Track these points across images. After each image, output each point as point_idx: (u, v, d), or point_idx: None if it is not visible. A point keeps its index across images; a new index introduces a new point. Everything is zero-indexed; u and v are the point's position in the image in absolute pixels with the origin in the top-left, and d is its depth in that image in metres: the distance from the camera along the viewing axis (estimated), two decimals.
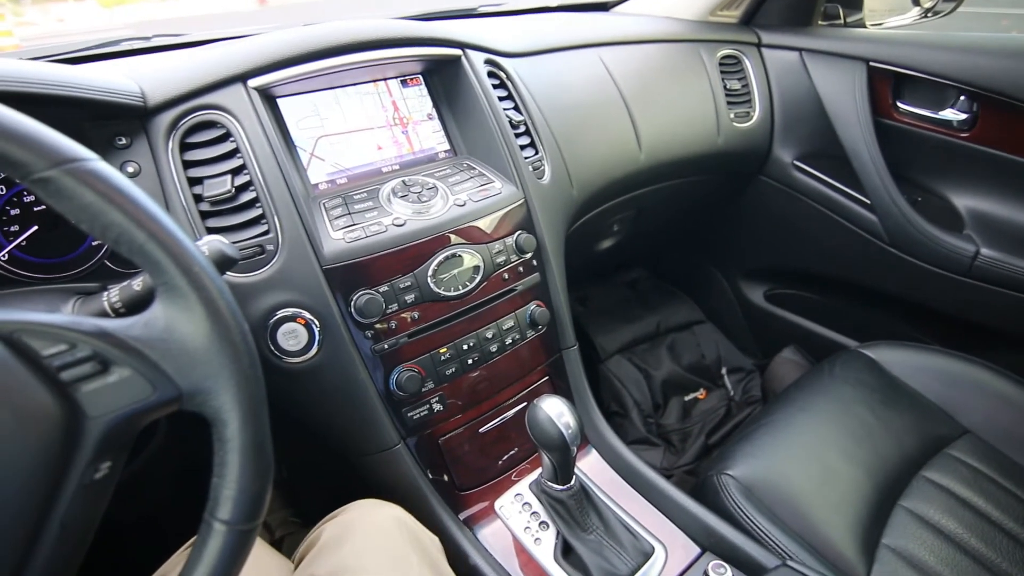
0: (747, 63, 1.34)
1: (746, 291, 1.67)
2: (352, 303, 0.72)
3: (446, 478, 0.83)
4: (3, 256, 0.65)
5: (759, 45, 1.37)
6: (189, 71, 0.72)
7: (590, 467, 0.89)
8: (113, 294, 0.58)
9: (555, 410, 0.68)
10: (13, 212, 0.66)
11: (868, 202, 1.24)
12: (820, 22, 1.36)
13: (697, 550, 0.77)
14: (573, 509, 0.75)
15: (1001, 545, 0.79)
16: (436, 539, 0.69)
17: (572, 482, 0.74)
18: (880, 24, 1.36)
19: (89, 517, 0.40)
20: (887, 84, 1.21)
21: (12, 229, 0.66)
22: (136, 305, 0.55)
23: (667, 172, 1.25)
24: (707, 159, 1.29)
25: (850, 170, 1.25)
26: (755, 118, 1.33)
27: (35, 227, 0.67)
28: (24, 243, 0.66)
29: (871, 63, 1.21)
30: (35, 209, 0.67)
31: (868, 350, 1.08)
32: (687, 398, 1.53)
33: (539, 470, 0.77)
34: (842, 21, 1.36)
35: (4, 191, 0.65)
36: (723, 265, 1.72)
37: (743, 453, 0.89)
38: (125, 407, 0.39)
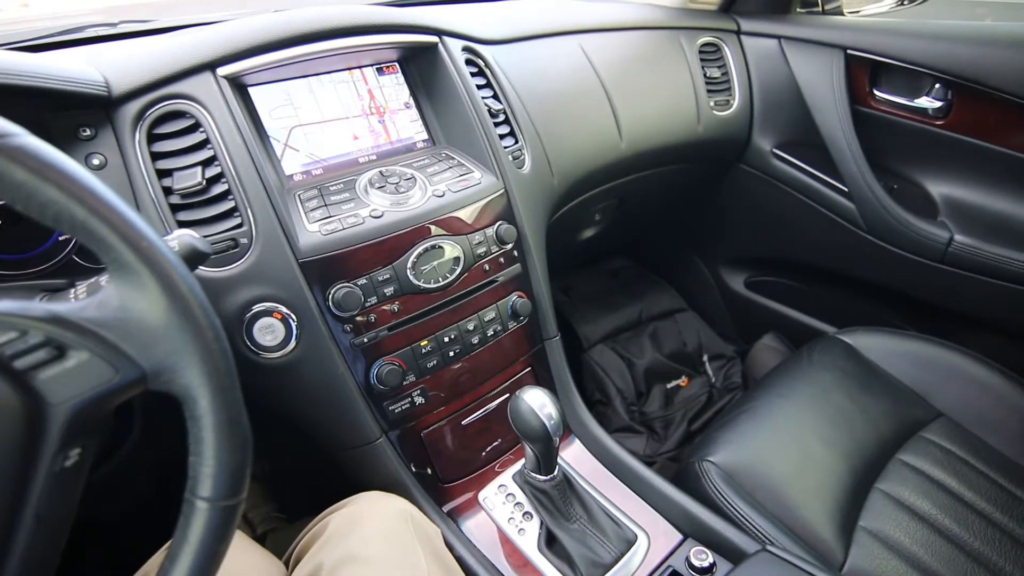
0: (727, 51, 1.34)
1: (727, 279, 1.68)
2: (330, 296, 0.71)
3: (429, 471, 0.83)
4: None
5: (738, 32, 1.36)
6: (155, 59, 0.69)
7: (573, 457, 0.90)
8: (80, 290, 0.56)
9: (537, 401, 0.68)
10: None
11: (845, 190, 1.25)
12: (798, 9, 1.36)
13: (679, 537, 0.78)
14: (556, 499, 0.75)
15: (973, 525, 0.81)
16: (438, 531, 0.70)
17: (555, 472, 0.74)
18: (858, 12, 1.37)
19: (64, 506, 0.39)
20: (864, 72, 1.22)
21: None
22: None
23: (648, 161, 1.25)
24: (687, 147, 1.29)
25: (828, 158, 1.26)
26: (735, 106, 1.33)
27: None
28: None
29: (848, 51, 1.21)
30: None
31: (845, 336, 1.10)
32: (669, 385, 1.55)
33: (522, 461, 0.77)
34: (820, 8, 1.36)
35: None
36: (704, 253, 1.73)
37: (724, 440, 0.90)
38: (88, 391, 0.37)
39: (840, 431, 0.93)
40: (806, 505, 0.82)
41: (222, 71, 0.71)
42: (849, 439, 0.92)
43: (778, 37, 1.31)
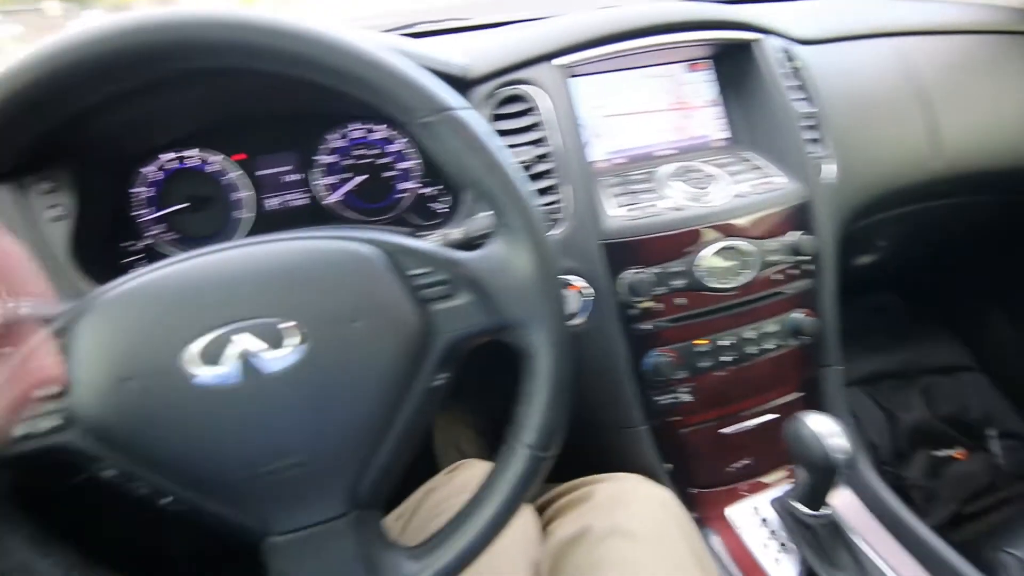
0: None
1: None
2: (623, 279, 0.73)
3: (680, 471, 0.81)
4: (341, 196, 0.81)
5: None
6: (505, 48, 0.78)
7: (841, 502, 0.80)
8: (435, 236, 0.68)
9: (826, 428, 0.63)
10: (345, 163, 0.80)
11: None
12: None
13: None
14: (824, 539, 0.68)
15: None
16: (697, 530, 0.68)
17: (826, 510, 0.67)
18: None
19: (424, 421, 0.45)
20: None
21: (346, 176, 0.80)
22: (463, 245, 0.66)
23: (967, 185, 1.06)
24: (1021, 175, 1.07)
25: None
26: None
27: (366, 175, 0.81)
28: (355, 188, 0.81)
29: None
30: (360, 163, 0.80)
31: None
32: (940, 454, 1.30)
33: (780, 488, 0.72)
34: None
35: (343, 143, 0.80)
36: (1012, 307, 1.42)
37: None
38: (464, 328, 0.44)
39: None
40: None
41: (557, 61, 0.77)
42: None
43: None
